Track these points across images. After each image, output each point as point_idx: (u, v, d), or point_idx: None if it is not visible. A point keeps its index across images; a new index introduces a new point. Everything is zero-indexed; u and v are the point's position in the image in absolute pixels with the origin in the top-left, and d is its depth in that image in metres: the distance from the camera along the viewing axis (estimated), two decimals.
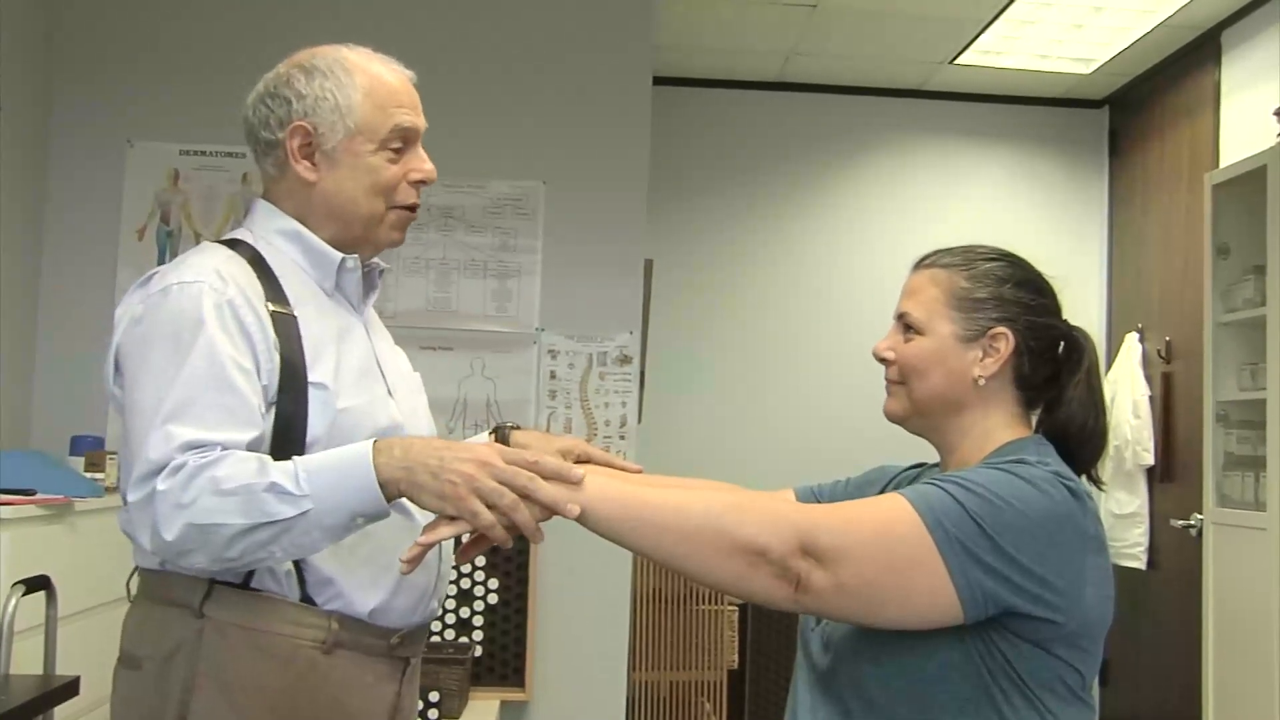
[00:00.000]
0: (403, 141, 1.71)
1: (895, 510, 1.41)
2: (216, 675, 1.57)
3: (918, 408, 1.60)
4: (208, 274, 1.57)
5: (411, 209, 1.75)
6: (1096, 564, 1.46)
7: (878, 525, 1.40)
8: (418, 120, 1.73)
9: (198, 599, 1.57)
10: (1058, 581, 1.40)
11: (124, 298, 1.64)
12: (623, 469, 1.47)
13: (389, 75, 1.73)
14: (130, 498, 1.46)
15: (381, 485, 1.44)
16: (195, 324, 1.52)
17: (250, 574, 1.58)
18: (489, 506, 1.39)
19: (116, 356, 1.59)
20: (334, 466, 1.45)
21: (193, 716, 1.56)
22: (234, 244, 1.69)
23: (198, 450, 1.46)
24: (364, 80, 1.70)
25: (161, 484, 1.43)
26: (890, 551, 1.38)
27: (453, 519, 1.41)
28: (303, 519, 1.43)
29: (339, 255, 1.72)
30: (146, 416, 1.48)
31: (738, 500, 1.42)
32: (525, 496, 1.40)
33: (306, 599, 1.60)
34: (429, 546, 1.42)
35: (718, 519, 1.38)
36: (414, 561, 1.42)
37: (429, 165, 1.74)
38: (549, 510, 1.41)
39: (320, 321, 1.67)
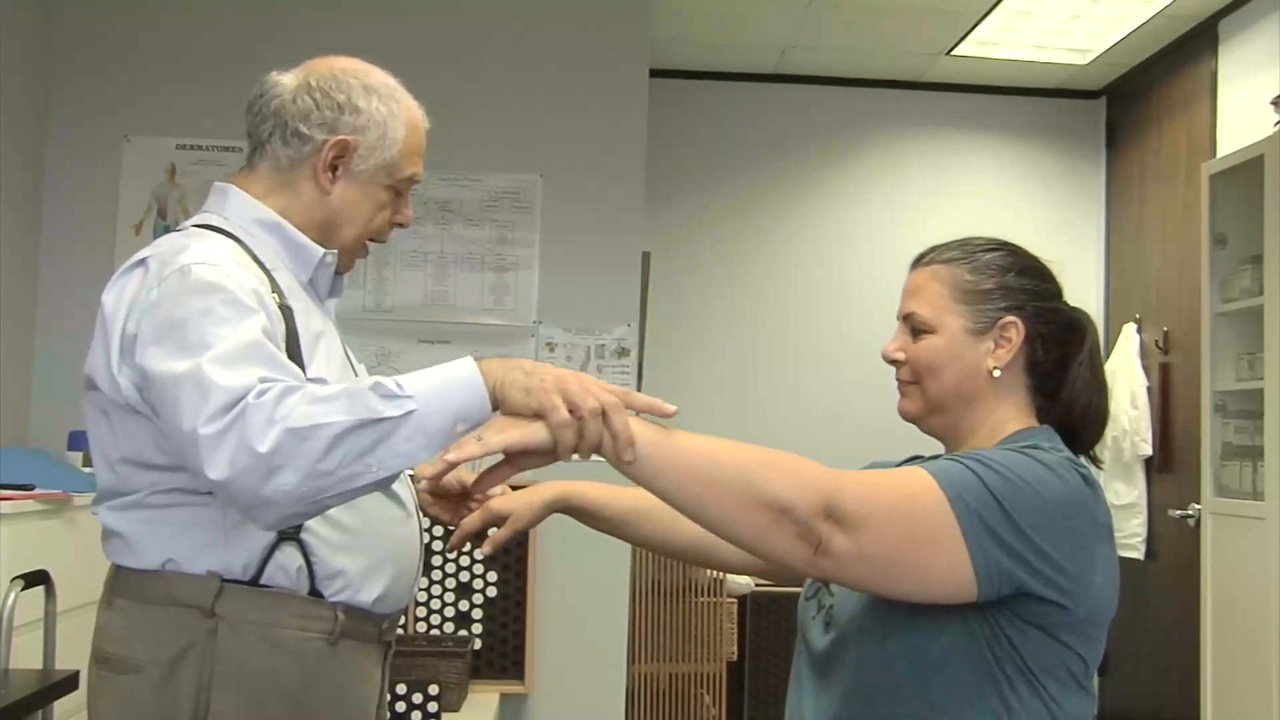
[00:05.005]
0: (406, 188, 1.77)
1: (919, 482, 1.40)
2: (236, 674, 1.57)
3: (933, 405, 1.60)
4: (224, 260, 1.55)
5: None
6: (1105, 553, 1.47)
7: (902, 496, 1.39)
8: (422, 173, 1.79)
9: (209, 599, 1.56)
10: (1069, 566, 1.41)
11: (115, 283, 1.60)
12: (663, 412, 1.43)
13: (422, 121, 1.77)
14: (205, 430, 1.37)
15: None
16: (231, 300, 1.49)
17: (260, 571, 1.58)
18: (570, 412, 1.36)
19: (126, 343, 1.53)
20: (432, 373, 1.42)
21: (213, 718, 1.55)
22: (219, 232, 1.66)
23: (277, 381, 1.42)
24: (409, 118, 1.74)
25: (253, 399, 1.37)
26: (913, 522, 1.38)
27: (481, 441, 1.37)
28: (407, 420, 1.37)
29: (320, 249, 1.72)
30: (206, 367, 1.41)
31: (769, 456, 1.39)
32: (605, 415, 1.36)
33: (315, 592, 1.61)
34: (455, 465, 1.38)
35: (746, 470, 1.37)
36: (436, 479, 1.40)
37: (411, 211, 1.81)
38: (612, 439, 1.36)
39: (307, 316, 1.67)
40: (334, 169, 1.69)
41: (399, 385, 1.39)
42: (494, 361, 1.44)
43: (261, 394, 1.38)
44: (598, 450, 1.37)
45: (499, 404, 1.41)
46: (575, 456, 1.39)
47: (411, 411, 1.38)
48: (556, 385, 1.37)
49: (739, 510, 1.36)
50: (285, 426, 1.35)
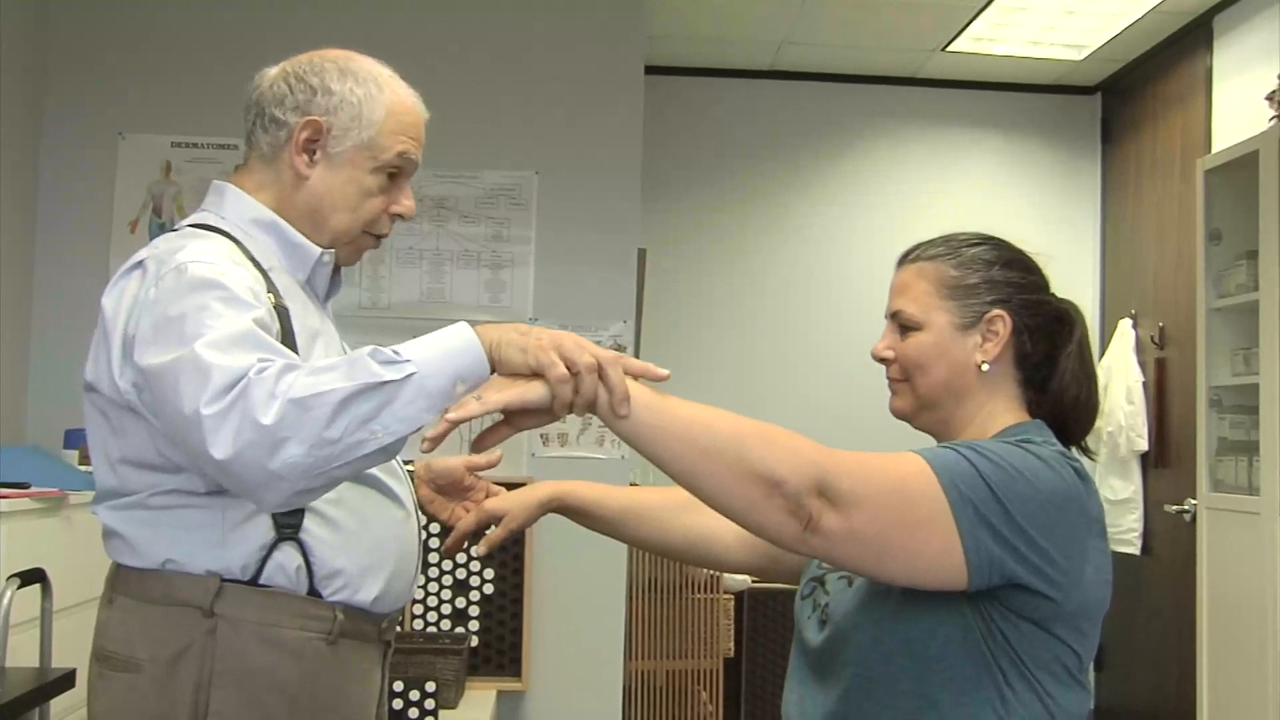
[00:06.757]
0: (398, 171, 1.72)
1: (913, 466, 1.41)
2: (235, 673, 1.57)
3: (924, 402, 1.60)
4: (220, 259, 1.55)
5: (378, 238, 1.77)
6: (1097, 546, 1.47)
7: (896, 478, 1.39)
8: (419, 156, 1.74)
9: (208, 598, 1.56)
10: (1060, 559, 1.41)
11: (114, 286, 1.59)
12: (655, 376, 1.43)
13: (413, 106, 1.74)
14: (208, 410, 1.36)
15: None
16: (229, 297, 1.48)
17: (259, 571, 1.58)
18: (567, 368, 1.36)
19: (127, 344, 1.53)
20: (428, 340, 1.42)
21: (213, 717, 1.56)
22: (216, 232, 1.65)
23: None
24: (391, 100, 1.70)
25: (254, 375, 1.37)
26: (905, 505, 1.38)
27: (480, 399, 1.37)
28: (408, 383, 1.37)
29: (317, 249, 1.71)
30: (203, 350, 1.41)
31: (766, 429, 1.40)
32: (601, 370, 1.36)
33: (314, 592, 1.61)
34: (456, 424, 1.36)
35: (742, 442, 1.37)
36: (437, 440, 1.38)
37: (411, 202, 1.76)
38: (607, 394, 1.36)
39: (304, 316, 1.66)
40: (311, 153, 1.68)
41: (396, 352, 1.39)
42: (489, 325, 1.44)
43: (262, 370, 1.38)
44: (593, 408, 1.37)
45: (496, 365, 1.41)
46: (572, 417, 1.39)
47: (412, 374, 1.37)
48: (552, 343, 1.38)
49: (731, 481, 1.36)
50: (288, 398, 1.35)
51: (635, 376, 1.39)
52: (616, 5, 4.22)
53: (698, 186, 5.50)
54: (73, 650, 2.59)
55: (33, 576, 2.59)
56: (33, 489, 2.82)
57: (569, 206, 4.14)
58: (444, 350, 1.41)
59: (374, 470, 1.63)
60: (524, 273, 4.12)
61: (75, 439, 3.41)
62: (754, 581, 4.76)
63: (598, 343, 1.41)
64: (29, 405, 3.88)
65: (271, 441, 1.34)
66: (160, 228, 3.96)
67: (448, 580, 3.96)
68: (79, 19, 4.05)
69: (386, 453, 1.40)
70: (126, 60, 4.05)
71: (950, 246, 1.62)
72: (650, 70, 4.37)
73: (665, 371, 1.42)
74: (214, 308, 1.46)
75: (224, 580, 1.57)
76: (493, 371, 1.42)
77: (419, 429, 1.41)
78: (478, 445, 1.44)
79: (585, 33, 4.20)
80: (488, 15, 4.18)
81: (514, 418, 1.41)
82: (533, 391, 1.38)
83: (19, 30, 3.83)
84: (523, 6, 4.20)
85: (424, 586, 3.94)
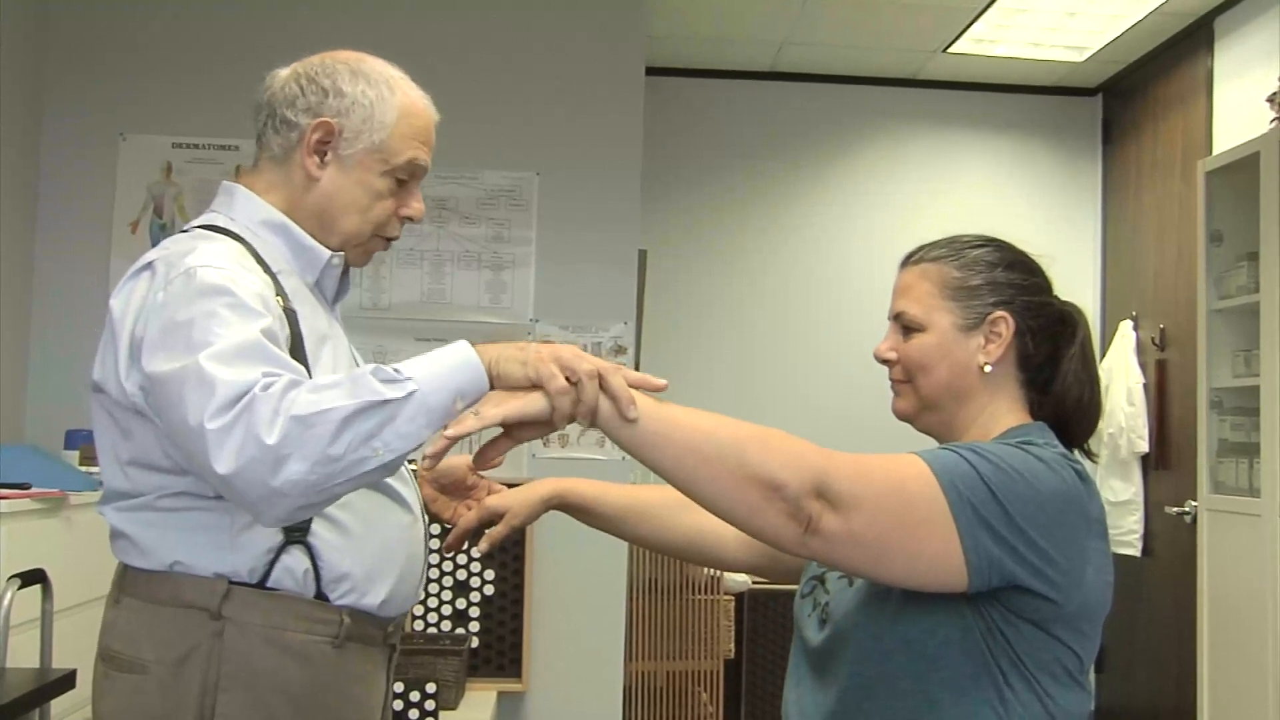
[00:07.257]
0: (409, 176, 1.72)
1: (912, 468, 1.41)
2: (241, 676, 1.57)
3: (926, 403, 1.60)
4: (229, 264, 1.55)
5: (388, 241, 1.78)
6: (1098, 548, 1.47)
7: (895, 479, 1.39)
8: (429, 161, 1.75)
9: (215, 601, 1.56)
10: (1060, 560, 1.41)
11: (123, 287, 1.58)
12: (654, 387, 1.43)
13: (424, 109, 1.74)
14: (212, 425, 1.37)
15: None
16: (236, 304, 1.48)
17: (267, 574, 1.58)
18: (566, 379, 1.38)
19: (134, 347, 1.52)
20: (429, 358, 1.43)
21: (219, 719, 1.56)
22: (225, 233, 1.65)
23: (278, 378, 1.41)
24: (404, 103, 1.70)
25: (259, 392, 1.37)
26: (904, 507, 1.38)
27: (479, 415, 1.39)
28: (409, 401, 1.38)
29: (327, 252, 1.71)
30: (207, 363, 1.41)
31: (766, 434, 1.40)
32: (602, 378, 1.37)
33: (321, 596, 1.61)
34: (455, 440, 1.38)
35: (742, 447, 1.37)
36: (437, 457, 1.40)
37: (421, 205, 1.77)
38: (611, 401, 1.37)
39: (312, 318, 1.66)
40: (322, 154, 1.68)
41: (397, 370, 1.40)
42: (487, 344, 1.45)
43: (267, 387, 1.38)
44: (593, 416, 1.37)
45: (495, 380, 1.42)
46: (575, 428, 1.39)
47: (413, 392, 1.38)
48: (551, 355, 1.39)
49: (732, 486, 1.36)
50: (291, 415, 1.35)
51: (634, 387, 1.40)
52: (616, 5, 4.22)
53: (698, 187, 5.50)
54: (73, 651, 2.59)
55: (33, 577, 2.59)
56: (33, 489, 2.82)
57: (569, 207, 4.14)
58: (444, 367, 1.41)
59: None
60: (524, 273, 4.12)
61: (75, 439, 3.40)
62: (754, 582, 4.75)
63: (598, 344, 1.42)
64: (29, 405, 3.88)
65: (274, 459, 1.35)
66: (161, 228, 3.96)
67: (448, 581, 3.96)
68: (79, 19, 4.05)
69: (387, 469, 1.41)
70: (126, 60, 4.05)
71: (953, 248, 1.62)
72: (650, 71, 4.37)
73: (663, 381, 1.42)
74: (222, 315, 1.46)
75: (231, 583, 1.57)
76: (492, 388, 1.42)
77: (418, 445, 1.42)
78: (479, 460, 1.45)
79: (585, 33, 4.20)
80: (488, 15, 4.18)
81: (514, 430, 1.41)
82: (532, 404, 1.39)
83: (19, 30, 3.83)
84: (523, 6, 4.20)
85: (425, 587, 3.93)
